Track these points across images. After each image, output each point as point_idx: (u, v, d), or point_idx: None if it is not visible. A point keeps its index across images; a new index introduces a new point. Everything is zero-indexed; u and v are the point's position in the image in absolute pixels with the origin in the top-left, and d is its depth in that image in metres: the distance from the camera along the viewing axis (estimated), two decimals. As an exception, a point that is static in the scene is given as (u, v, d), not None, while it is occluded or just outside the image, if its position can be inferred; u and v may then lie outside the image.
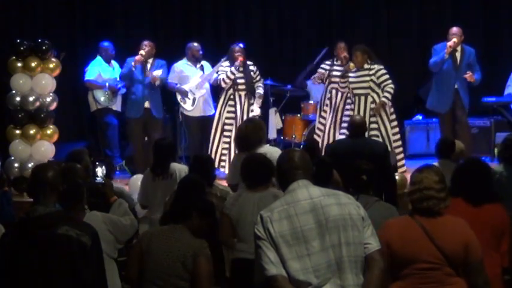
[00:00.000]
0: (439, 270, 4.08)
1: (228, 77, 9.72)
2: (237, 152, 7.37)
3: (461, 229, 4.16)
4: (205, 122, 10.25)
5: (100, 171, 5.49)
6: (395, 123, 9.43)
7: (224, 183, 7.06)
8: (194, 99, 10.14)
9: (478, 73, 9.88)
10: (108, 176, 6.15)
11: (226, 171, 9.29)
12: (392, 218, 4.53)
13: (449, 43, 9.67)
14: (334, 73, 9.85)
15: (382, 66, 9.29)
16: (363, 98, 9.26)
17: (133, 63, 9.74)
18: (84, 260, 3.67)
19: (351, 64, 9.39)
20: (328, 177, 5.75)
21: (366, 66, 9.25)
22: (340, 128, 9.63)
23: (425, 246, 4.07)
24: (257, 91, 9.96)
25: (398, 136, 9.46)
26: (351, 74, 9.36)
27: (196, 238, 4.48)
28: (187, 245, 4.41)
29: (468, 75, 9.73)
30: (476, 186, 4.84)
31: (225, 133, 9.82)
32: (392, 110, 9.39)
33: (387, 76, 9.25)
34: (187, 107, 10.14)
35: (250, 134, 6.66)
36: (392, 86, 9.23)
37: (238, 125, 9.61)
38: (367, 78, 9.22)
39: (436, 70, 9.91)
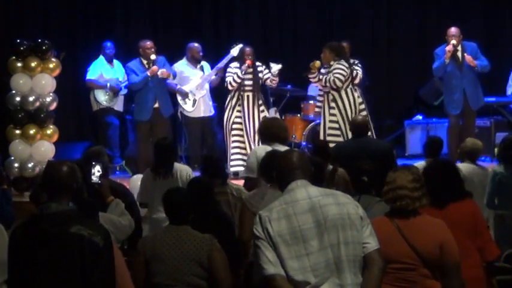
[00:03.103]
0: (414, 270, 4.07)
1: (234, 80, 9.69)
2: (258, 145, 7.43)
3: (437, 229, 4.13)
4: (205, 123, 10.25)
5: (96, 171, 5.47)
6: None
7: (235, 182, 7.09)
8: (195, 100, 10.14)
9: (485, 61, 9.75)
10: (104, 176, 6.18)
11: (235, 169, 9.36)
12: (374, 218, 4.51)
13: (448, 47, 9.59)
14: None
15: (342, 64, 9.04)
16: (325, 95, 9.22)
17: (149, 74, 9.63)
18: (95, 260, 3.66)
19: (317, 62, 9.27)
20: (322, 177, 5.73)
21: (331, 63, 9.16)
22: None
23: (400, 247, 4.06)
24: (270, 76, 9.83)
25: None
26: (322, 71, 9.25)
27: (202, 233, 4.57)
28: (199, 243, 4.50)
29: (468, 58, 9.61)
30: (439, 188, 4.71)
31: (234, 131, 9.76)
32: (365, 113, 9.19)
33: (338, 71, 8.98)
34: (188, 108, 10.13)
35: (277, 127, 6.84)
36: (333, 79, 8.94)
37: (246, 126, 9.63)
38: (326, 76, 9.10)
39: (440, 75, 9.89)
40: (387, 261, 3.96)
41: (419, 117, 11.69)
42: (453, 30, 9.74)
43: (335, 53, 9.13)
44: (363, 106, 9.19)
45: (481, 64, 9.72)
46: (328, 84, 9.02)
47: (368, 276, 3.67)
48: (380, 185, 5.47)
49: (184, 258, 4.47)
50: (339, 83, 8.98)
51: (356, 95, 9.17)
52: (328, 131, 9.06)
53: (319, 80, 9.13)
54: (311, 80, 9.38)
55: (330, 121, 9.08)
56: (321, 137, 9.16)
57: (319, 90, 9.62)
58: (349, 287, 3.63)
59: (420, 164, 7.09)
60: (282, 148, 6.65)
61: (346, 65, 9.08)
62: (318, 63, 9.19)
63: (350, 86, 9.12)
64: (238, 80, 9.69)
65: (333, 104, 9.08)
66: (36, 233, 3.70)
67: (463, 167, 6.95)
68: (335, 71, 9.01)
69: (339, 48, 9.21)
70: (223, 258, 4.54)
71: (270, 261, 3.60)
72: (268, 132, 6.89)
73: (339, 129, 8.99)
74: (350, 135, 8.86)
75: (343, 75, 9.01)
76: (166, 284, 4.47)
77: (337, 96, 9.06)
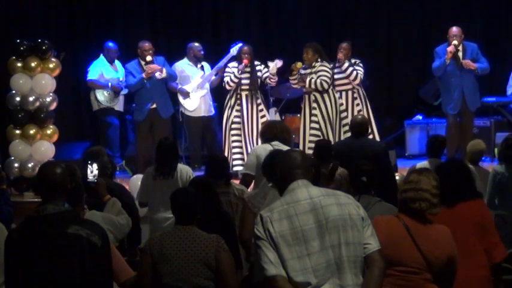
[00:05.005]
0: (418, 274, 4.08)
1: (231, 80, 9.70)
2: (257, 144, 7.44)
3: (447, 238, 4.16)
4: (205, 122, 10.26)
5: (93, 170, 5.47)
6: (347, 127, 8.97)
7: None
8: (195, 100, 10.14)
9: (485, 63, 9.76)
10: (111, 176, 6.20)
11: (236, 169, 9.36)
12: (380, 216, 4.48)
13: (449, 48, 9.58)
14: (336, 76, 9.67)
15: (326, 66, 9.08)
16: (306, 96, 9.23)
17: (144, 76, 9.65)
18: (94, 260, 3.66)
19: (299, 63, 9.24)
20: (318, 177, 5.72)
21: (314, 64, 9.15)
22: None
23: (410, 251, 4.07)
24: (269, 74, 9.77)
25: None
26: (301, 71, 9.24)
27: (209, 234, 4.55)
28: (206, 244, 4.47)
29: (466, 62, 9.62)
30: (450, 186, 4.68)
31: (233, 131, 9.79)
32: (344, 114, 9.21)
33: (323, 73, 9.01)
34: (190, 107, 10.14)
35: (279, 129, 6.99)
36: (320, 81, 8.96)
37: (245, 125, 9.65)
38: (310, 76, 9.10)
39: (439, 74, 9.86)
40: (392, 263, 3.99)
41: (419, 117, 11.69)
42: (455, 30, 9.71)
43: (319, 54, 9.13)
44: (342, 107, 9.23)
45: (481, 67, 9.72)
46: (313, 86, 9.02)
47: (369, 277, 3.66)
48: (377, 185, 5.52)
49: (192, 259, 4.44)
50: (325, 85, 9.01)
51: (337, 96, 9.20)
52: (310, 131, 9.07)
53: (302, 81, 9.11)
54: (292, 82, 9.41)
55: (312, 121, 9.10)
56: (301, 138, 9.20)
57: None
58: (350, 288, 3.63)
59: (422, 164, 7.09)
60: (283, 146, 6.67)
61: (330, 66, 9.11)
62: (299, 64, 9.20)
63: (331, 87, 9.14)
64: (236, 80, 9.69)
65: (314, 105, 9.09)
66: (33, 235, 3.69)
67: None
68: (321, 73, 9.02)
69: (321, 49, 9.23)
70: (230, 259, 4.51)
71: (271, 262, 3.59)
72: (270, 133, 6.96)
73: (319, 129, 9.02)
74: (331, 136, 8.91)
75: (329, 78, 9.04)
76: (174, 285, 4.44)
77: (319, 97, 9.08)
